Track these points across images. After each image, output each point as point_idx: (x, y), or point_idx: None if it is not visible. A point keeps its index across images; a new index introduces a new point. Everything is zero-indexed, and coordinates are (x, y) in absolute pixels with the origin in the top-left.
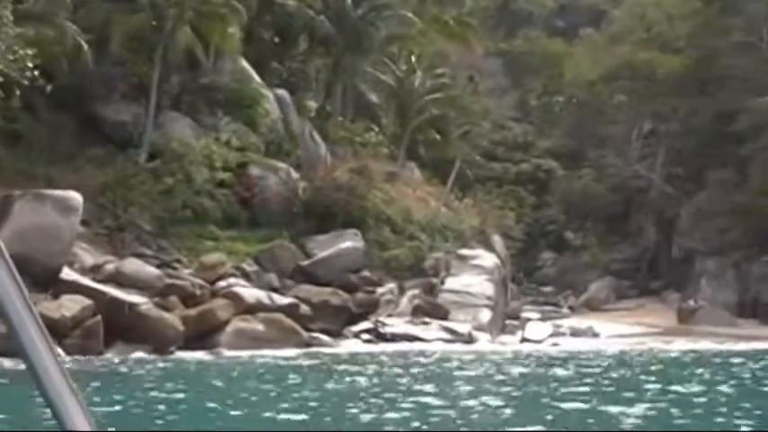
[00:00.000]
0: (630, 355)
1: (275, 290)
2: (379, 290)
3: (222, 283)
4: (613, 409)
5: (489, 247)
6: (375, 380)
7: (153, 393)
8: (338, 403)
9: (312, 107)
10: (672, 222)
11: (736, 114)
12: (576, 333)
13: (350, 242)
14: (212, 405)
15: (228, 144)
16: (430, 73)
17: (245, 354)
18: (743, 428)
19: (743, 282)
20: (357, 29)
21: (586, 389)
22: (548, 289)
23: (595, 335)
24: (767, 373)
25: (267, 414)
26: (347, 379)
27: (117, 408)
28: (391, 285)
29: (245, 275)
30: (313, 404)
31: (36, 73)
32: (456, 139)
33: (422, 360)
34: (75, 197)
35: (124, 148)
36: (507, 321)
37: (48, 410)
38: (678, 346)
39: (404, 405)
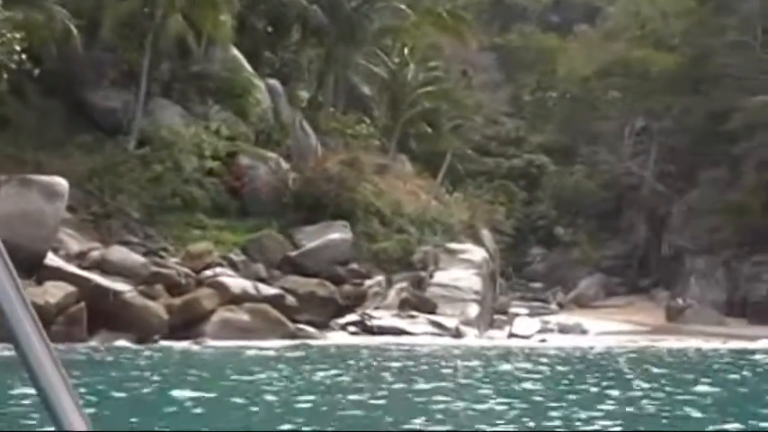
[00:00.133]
0: (606, 354)
1: (262, 280)
2: (367, 282)
3: (208, 273)
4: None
5: (478, 241)
6: (353, 374)
7: (129, 383)
8: (314, 397)
9: (304, 98)
10: (663, 220)
11: (729, 113)
12: (564, 330)
13: (338, 234)
14: (183, 395)
15: (218, 133)
16: (423, 66)
17: (229, 344)
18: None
19: (732, 281)
20: (350, 20)
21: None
22: (537, 285)
23: (584, 332)
24: (747, 373)
25: (239, 404)
26: (322, 373)
27: (93, 398)
28: (379, 278)
29: (233, 265)
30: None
31: (24, 57)
32: (448, 133)
33: (402, 354)
34: (61, 183)
35: (113, 135)
36: (495, 316)
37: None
38: (663, 344)
39: (372, 402)
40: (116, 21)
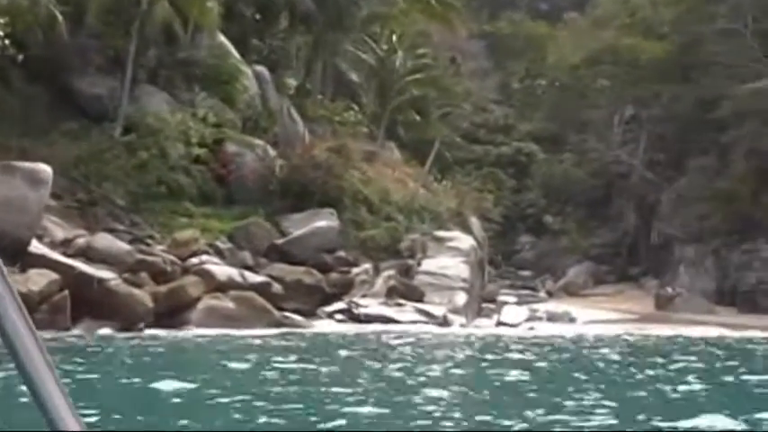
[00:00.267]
0: (589, 342)
1: (249, 268)
2: (354, 270)
3: (194, 260)
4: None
5: (467, 229)
6: (332, 364)
7: (109, 372)
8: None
9: (291, 85)
10: (652, 208)
11: (718, 101)
12: (552, 318)
13: (325, 221)
14: (160, 385)
15: (205, 120)
16: (411, 53)
17: (214, 332)
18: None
19: (721, 269)
20: (338, 7)
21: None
22: (526, 273)
23: (572, 320)
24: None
25: (212, 393)
26: (302, 364)
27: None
28: (366, 266)
29: (219, 253)
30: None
31: (7, 42)
32: (436, 121)
33: (385, 343)
34: (45, 169)
35: (99, 122)
36: (484, 305)
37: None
38: (651, 332)
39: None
40: (102, 7)
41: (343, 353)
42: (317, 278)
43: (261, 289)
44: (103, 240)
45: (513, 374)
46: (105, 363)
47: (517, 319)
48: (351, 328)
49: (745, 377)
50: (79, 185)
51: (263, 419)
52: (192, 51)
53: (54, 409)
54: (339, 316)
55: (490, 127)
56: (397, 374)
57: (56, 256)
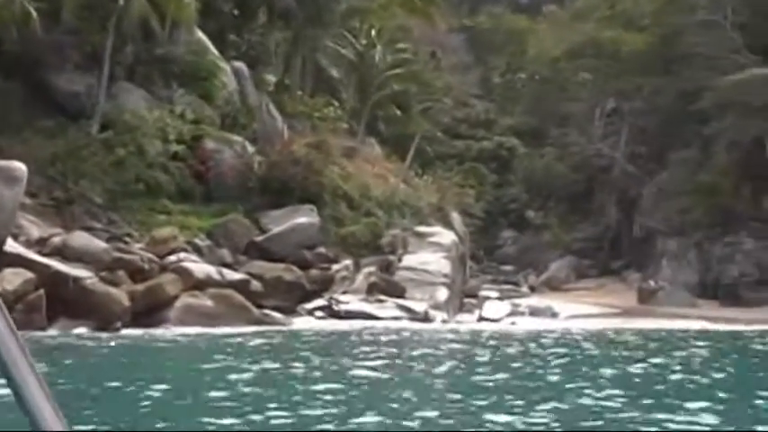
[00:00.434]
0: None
1: (228, 265)
2: (335, 267)
3: (172, 258)
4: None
5: (448, 224)
6: (303, 363)
7: (80, 372)
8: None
9: (271, 81)
10: (634, 202)
11: (700, 93)
12: (534, 312)
13: (305, 218)
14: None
15: (183, 117)
16: (391, 48)
17: (191, 331)
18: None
19: (704, 262)
20: (317, 2)
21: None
22: (508, 268)
23: (554, 315)
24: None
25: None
26: (274, 363)
27: None
28: (347, 262)
29: (198, 250)
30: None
31: None
32: (417, 116)
33: (362, 340)
34: (20, 167)
35: (76, 119)
36: (466, 300)
37: None
38: (630, 325)
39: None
40: (78, 2)
41: (318, 351)
42: (297, 275)
43: (240, 286)
44: (80, 239)
45: (485, 373)
46: (76, 363)
47: (499, 314)
48: (330, 325)
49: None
50: (56, 183)
51: (228, 421)
52: (169, 48)
53: (37, 409)
54: (319, 313)
55: (471, 122)
56: (369, 373)
57: (31, 255)
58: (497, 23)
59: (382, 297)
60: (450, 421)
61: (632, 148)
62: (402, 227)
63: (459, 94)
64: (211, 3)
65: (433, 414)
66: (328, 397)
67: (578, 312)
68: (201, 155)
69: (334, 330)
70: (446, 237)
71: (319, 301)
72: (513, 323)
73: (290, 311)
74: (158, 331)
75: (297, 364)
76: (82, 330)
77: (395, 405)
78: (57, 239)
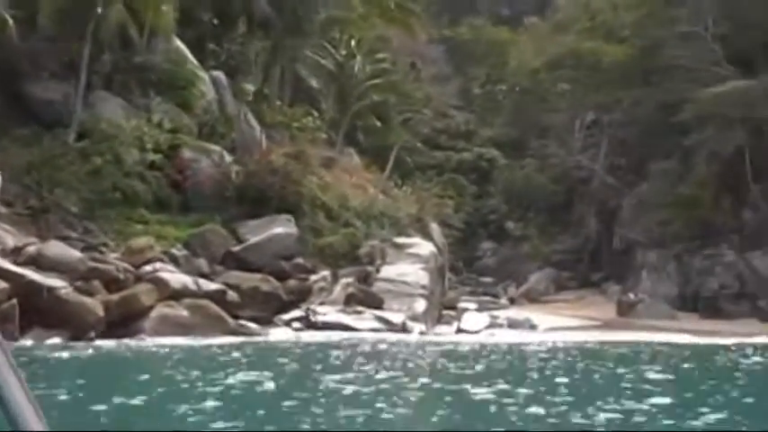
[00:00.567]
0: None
1: (205, 275)
2: (312, 277)
3: (148, 268)
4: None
5: (427, 235)
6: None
7: (47, 382)
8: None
9: (250, 90)
10: (614, 213)
11: (680, 105)
12: (513, 325)
13: (283, 228)
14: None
15: (160, 125)
16: (370, 58)
17: (166, 341)
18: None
19: (684, 275)
20: (297, 12)
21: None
22: (487, 279)
23: (533, 327)
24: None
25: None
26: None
27: None
28: (325, 273)
29: (174, 260)
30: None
31: None
32: (397, 126)
33: (334, 353)
34: None
35: (52, 128)
36: (444, 312)
37: None
38: (611, 338)
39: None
40: (55, 10)
41: (290, 364)
42: (274, 285)
43: (216, 297)
44: (55, 248)
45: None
46: (44, 374)
47: (477, 326)
48: (307, 337)
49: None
50: (31, 192)
51: None
52: (147, 56)
53: (17, 409)
54: (296, 324)
55: (451, 132)
56: (340, 386)
57: (4, 264)
58: (478, 34)
59: (360, 308)
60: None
61: (612, 160)
62: (380, 238)
63: (439, 105)
64: (190, 12)
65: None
66: (298, 410)
67: (557, 325)
68: (179, 164)
69: (310, 342)
70: (425, 248)
71: (297, 312)
72: (491, 335)
73: (266, 322)
74: (132, 342)
75: (269, 377)
76: (56, 340)
77: (365, 419)
78: (32, 249)
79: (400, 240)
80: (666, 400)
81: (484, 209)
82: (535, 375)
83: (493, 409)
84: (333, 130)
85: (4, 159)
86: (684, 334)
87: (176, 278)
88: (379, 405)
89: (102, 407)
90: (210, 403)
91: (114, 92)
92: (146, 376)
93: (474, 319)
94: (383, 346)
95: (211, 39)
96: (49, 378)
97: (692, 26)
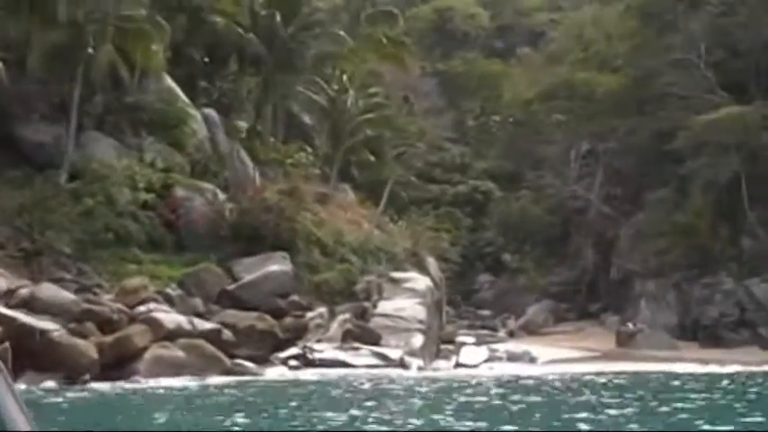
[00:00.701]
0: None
1: (200, 315)
2: (309, 314)
3: (142, 309)
4: None
5: (423, 269)
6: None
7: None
8: None
9: (243, 128)
10: (611, 243)
11: (674, 133)
12: (512, 358)
13: (278, 265)
14: None
15: (153, 165)
16: (363, 93)
17: (160, 383)
18: None
19: (683, 304)
20: (287, 47)
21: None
22: (485, 312)
23: (532, 359)
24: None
25: None
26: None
27: None
28: (321, 310)
29: (169, 300)
30: None
31: None
32: (391, 160)
33: (327, 393)
34: None
35: (44, 170)
36: (442, 346)
37: None
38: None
39: None
40: (44, 52)
41: (286, 405)
42: (270, 323)
43: (211, 336)
44: (48, 290)
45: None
46: (41, 419)
47: (476, 359)
48: (303, 375)
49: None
50: (23, 234)
51: None
52: (139, 96)
53: (5, 411)
54: (293, 362)
55: (446, 166)
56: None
57: None
58: (471, 67)
59: (357, 344)
60: None
61: (608, 190)
62: (377, 273)
63: (433, 139)
64: (182, 50)
65: None
66: None
67: (556, 357)
68: (172, 203)
69: (306, 381)
70: (421, 282)
71: (293, 350)
72: (490, 368)
73: (263, 361)
74: (128, 384)
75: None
76: (50, 384)
77: None
78: (24, 291)
79: (396, 275)
80: None
81: (480, 242)
82: None
83: None
84: (327, 165)
85: None
86: (694, 363)
87: (171, 318)
88: None
89: None
90: None
91: (106, 132)
92: (145, 422)
93: (473, 352)
94: (381, 385)
95: (203, 77)
96: (44, 425)
97: (685, 54)
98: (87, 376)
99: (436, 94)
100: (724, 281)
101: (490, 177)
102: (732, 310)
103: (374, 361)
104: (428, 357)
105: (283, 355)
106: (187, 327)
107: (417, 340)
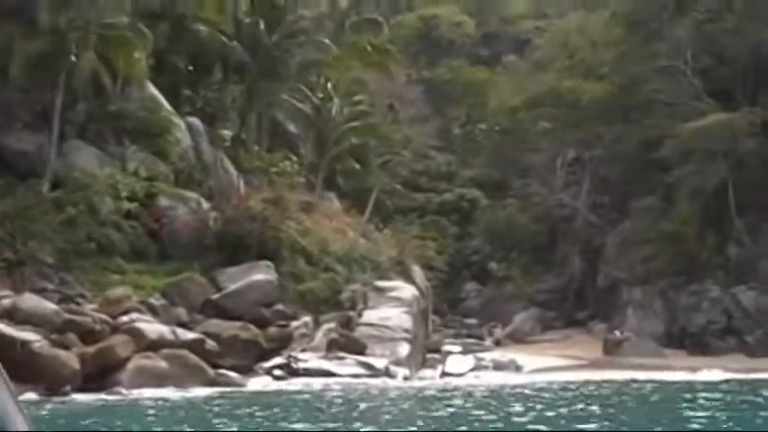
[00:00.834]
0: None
1: (184, 324)
2: (293, 324)
3: (124, 319)
4: None
5: (409, 278)
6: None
7: None
8: None
9: (227, 136)
10: (597, 251)
11: (661, 140)
12: (498, 366)
13: (262, 274)
14: None
15: (136, 174)
16: (348, 100)
17: (142, 394)
18: None
19: (670, 311)
20: (271, 55)
21: None
22: (472, 321)
23: (518, 368)
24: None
25: None
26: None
27: None
28: (306, 319)
29: (152, 310)
30: None
31: None
32: (376, 169)
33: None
34: None
35: (26, 179)
36: (428, 355)
37: None
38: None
39: None
40: (26, 60)
41: (269, 417)
42: (255, 333)
43: (194, 346)
44: (29, 301)
45: None
46: None
47: (462, 368)
48: (287, 385)
49: None
50: (5, 244)
51: None
52: (122, 104)
53: (4, 411)
54: (277, 371)
55: (432, 174)
56: None
57: None
58: (456, 75)
59: (342, 354)
60: None
61: (594, 198)
62: (362, 282)
63: (419, 147)
64: (165, 58)
65: None
66: None
67: (543, 365)
68: (155, 212)
69: (289, 391)
70: (407, 291)
71: (278, 360)
72: (476, 377)
73: (247, 370)
74: (110, 396)
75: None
76: (31, 395)
77: None
78: (6, 302)
79: (382, 284)
80: None
81: (466, 250)
82: None
83: None
84: (312, 174)
85: None
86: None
87: (153, 328)
88: None
89: None
90: None
91: (88, 141)
92: None
93: (459, 361)
94: (366, 394)
95: (187, 85)
96: None
97: (671, 61)
98: (69, 387)
99: (421, 102)
100: (711, 288)
101: (476, 185)
102: (719, 317)
103: (359, 370)
104: (414, 366)
105: (268, 364)
106: (170, 337)
107: (403, 349)
